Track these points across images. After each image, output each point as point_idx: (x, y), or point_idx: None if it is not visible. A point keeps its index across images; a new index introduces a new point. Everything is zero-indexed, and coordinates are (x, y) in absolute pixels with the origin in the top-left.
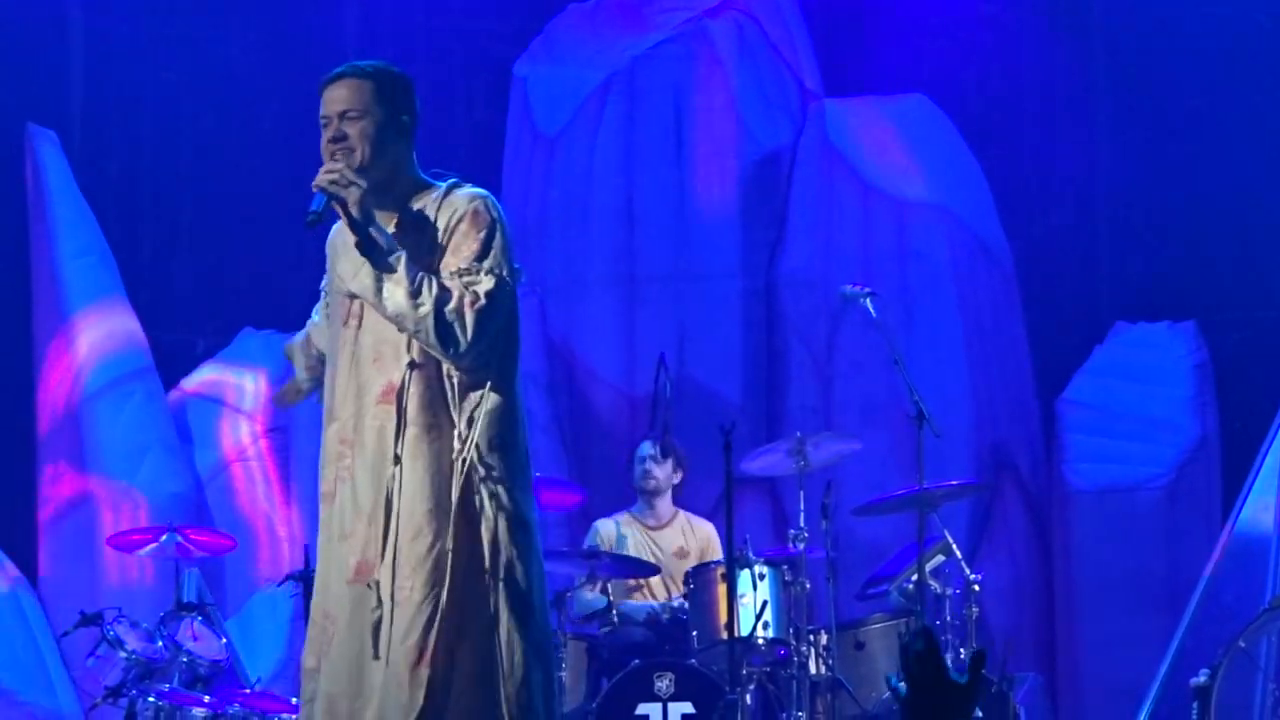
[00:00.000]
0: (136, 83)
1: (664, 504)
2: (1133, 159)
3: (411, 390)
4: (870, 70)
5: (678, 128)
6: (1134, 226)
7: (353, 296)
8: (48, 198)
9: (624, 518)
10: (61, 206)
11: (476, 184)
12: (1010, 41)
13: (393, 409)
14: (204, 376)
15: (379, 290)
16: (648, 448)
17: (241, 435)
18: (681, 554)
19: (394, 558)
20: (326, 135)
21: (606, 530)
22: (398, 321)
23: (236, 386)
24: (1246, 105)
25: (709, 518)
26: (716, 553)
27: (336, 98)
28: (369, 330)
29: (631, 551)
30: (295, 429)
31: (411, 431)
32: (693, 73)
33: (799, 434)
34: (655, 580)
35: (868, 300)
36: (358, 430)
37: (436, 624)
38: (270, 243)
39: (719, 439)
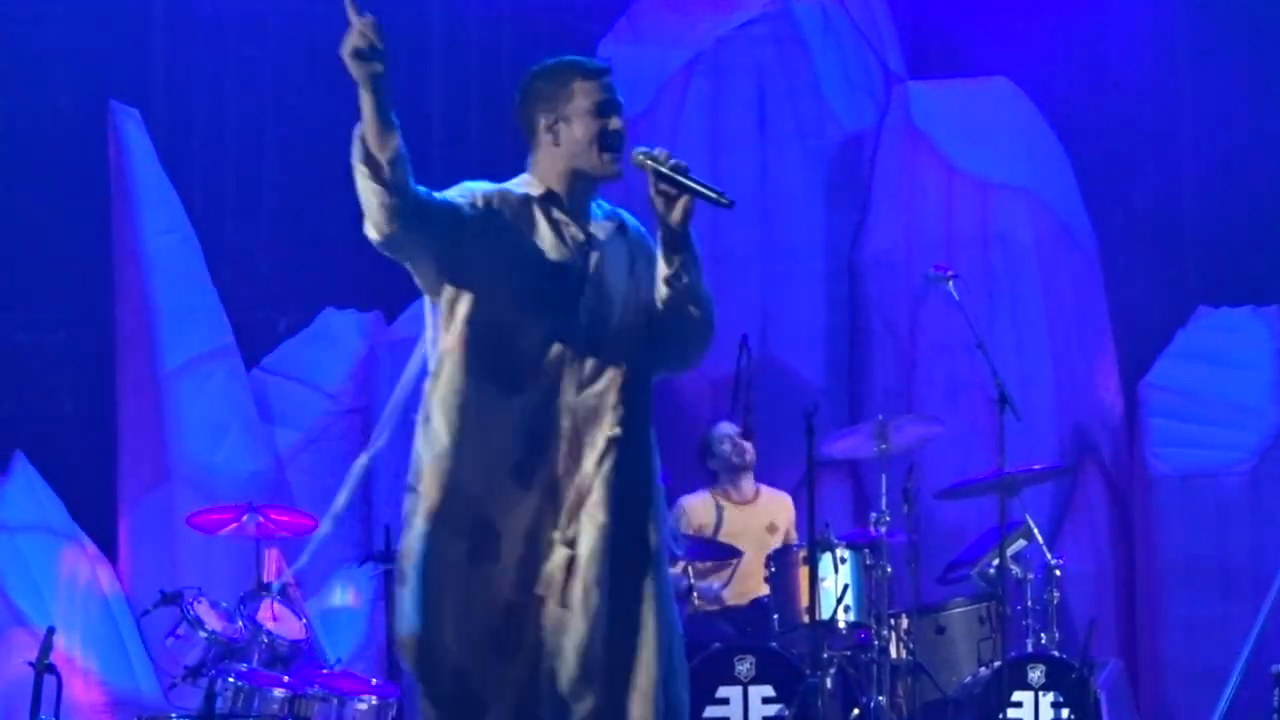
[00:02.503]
0: (219, 60)
1: (748, 481)
2: (1217, 141)
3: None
4: (953, 52)
5: (761, 109)
6: (1218, 210)
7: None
8: (130, 175)
9: (708, 496)
10: (144, 184)
11: None
12: (1093, 23)
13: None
14: (285, 355)
15: (695, 266)
16: (729, 427)
17: (322, 415)
18: (772, 529)
19: None
20: (616, 121)
21: (696, 508)
22: (694, 303)
23: (318, 365)
24: None
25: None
26: (793, 522)
27: (615, 88)
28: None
29: (727, 528)
30: (375, 409)
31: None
32: (777, 54)
33: (881, 417)
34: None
35: (950, 283)
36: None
37: None
38: (352, 222)
39: (801, 421)
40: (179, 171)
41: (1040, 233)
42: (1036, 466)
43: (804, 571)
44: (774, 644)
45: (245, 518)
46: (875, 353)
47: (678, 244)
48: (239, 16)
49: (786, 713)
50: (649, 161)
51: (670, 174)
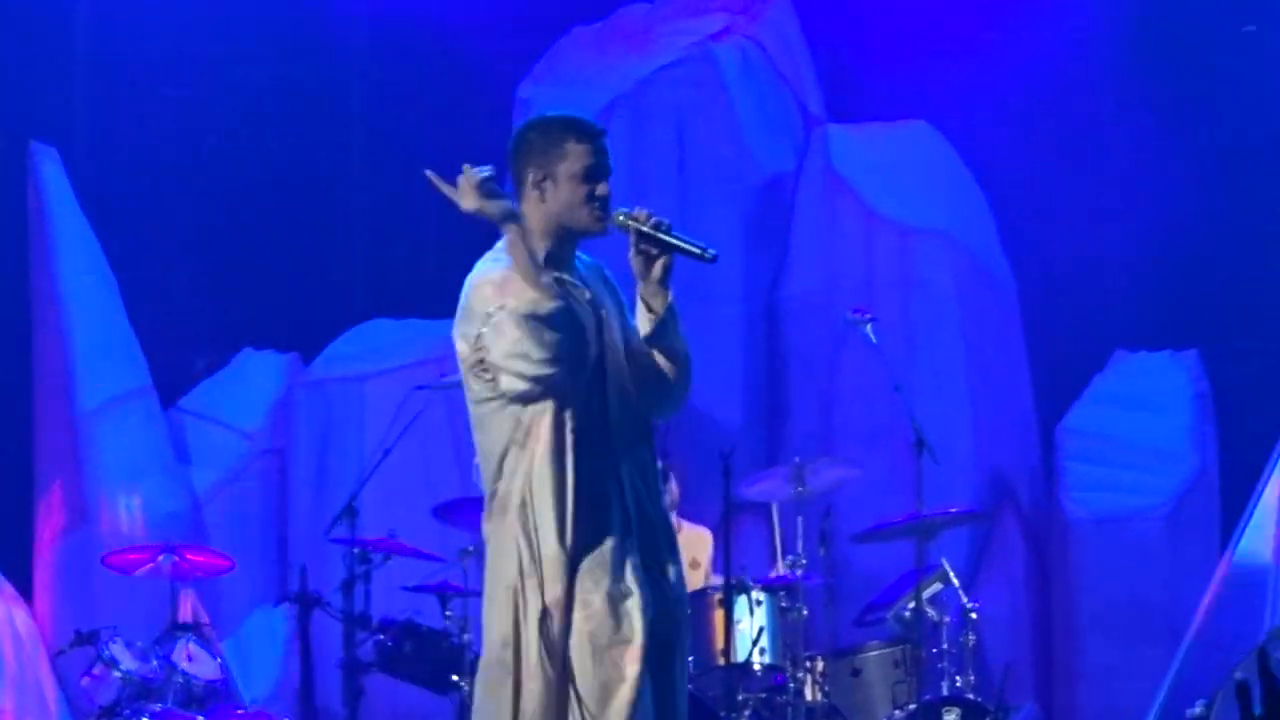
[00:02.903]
0: (140, 101)
1: (671, 519)
2: (1137, 186)
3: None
4: (873, 96)
5: (680, 151)
6: (1136, 255)
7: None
8: (49, 216)
9: None
10: (62, 225)
11: None
12: (1012, 67)
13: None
14: (203, 396)
15: (676, 323)
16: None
17: (240, 455)
18: (695, 565)
19: None
20: (604, 187)
21: None
22: (673, 361)
23: (235, 406)
24: (1254, 136)
25: None
26: (711, 558)
27: (607, 152)
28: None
29: None
30: (292, 449)
31: None
32: (696, 97)
33: (798, 459)
34: None
35: (869, 326)
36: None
37: None
38: (270, 263)
39: (718, 463)
40: (98, 212)
41: (959, 276)
42: (953, 510)
43: (719, 614)
44: (689, 686)
45: (161, 558)
46: (793, 395)
47: (658, 303)
48: (160, 57)
49: None
50: (630, 222)
51: (652, 233)
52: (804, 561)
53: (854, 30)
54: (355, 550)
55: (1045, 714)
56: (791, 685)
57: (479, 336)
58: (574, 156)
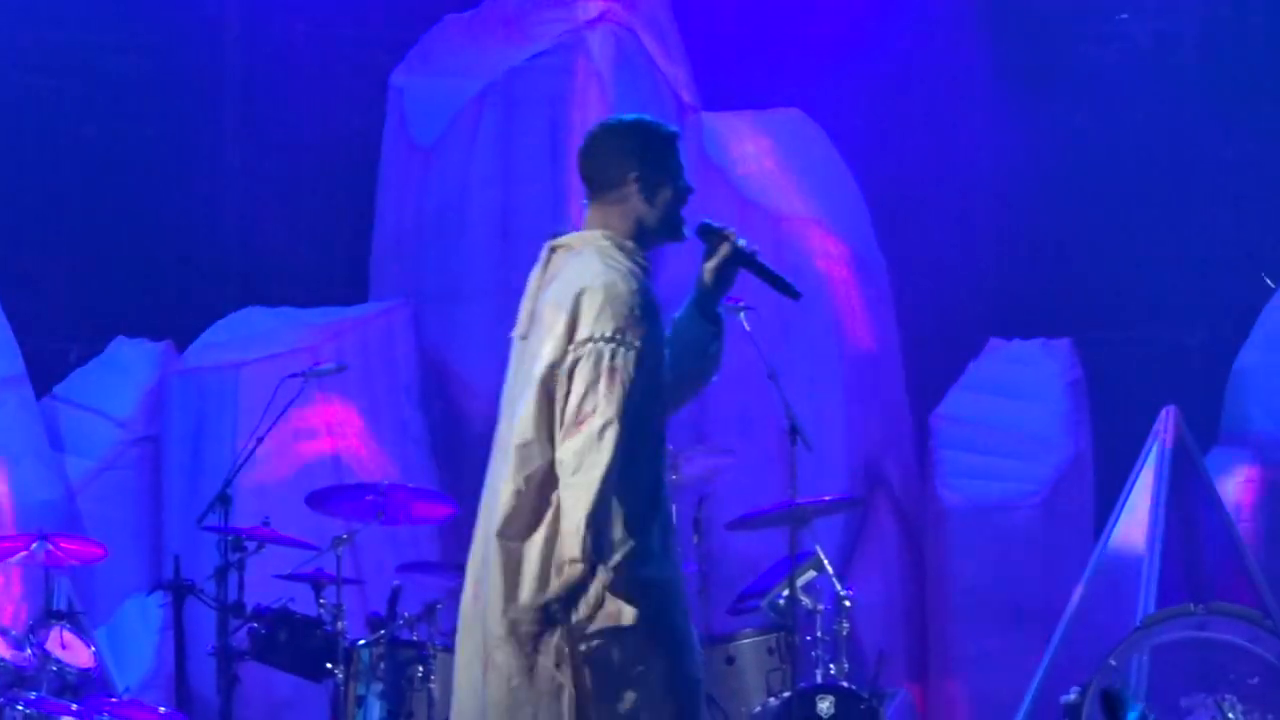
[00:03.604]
0: (7, 89)
1: None
2: (1010, 175)
3: None
4: (746, 84)
5: (554, 139)
6: (1010, 243)
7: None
8: None
9: None
10: None
11: (353, 194)
12: (886, 56)
13: None
14: (76, 384)
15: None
16: None
17: (113, 444)
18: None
19: None
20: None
21: None
22: (710, 371)
23: (109, 394)
24: (1124, 128)
25: None
26: None
27: None
28: None
29: None
30: (165, 438)
31: None
32: (570, 85)
33: (671, 448)
34: None
35: (742, 314)
36: None
37: None
38: (143, 251)
39: None
40: None
41: (832, 264)
42: (827, 498)
43: None
44: None
45: (35, 546)
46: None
47: (716, 313)
48: (35, 46)
49: None
50: (728, 241)
51: (750, 258)
52: (678, 550)
53: (727, 18)
54: (229, 538)
55: (920, 700)
56: None
57: (601, 344)
58: (672, 157)
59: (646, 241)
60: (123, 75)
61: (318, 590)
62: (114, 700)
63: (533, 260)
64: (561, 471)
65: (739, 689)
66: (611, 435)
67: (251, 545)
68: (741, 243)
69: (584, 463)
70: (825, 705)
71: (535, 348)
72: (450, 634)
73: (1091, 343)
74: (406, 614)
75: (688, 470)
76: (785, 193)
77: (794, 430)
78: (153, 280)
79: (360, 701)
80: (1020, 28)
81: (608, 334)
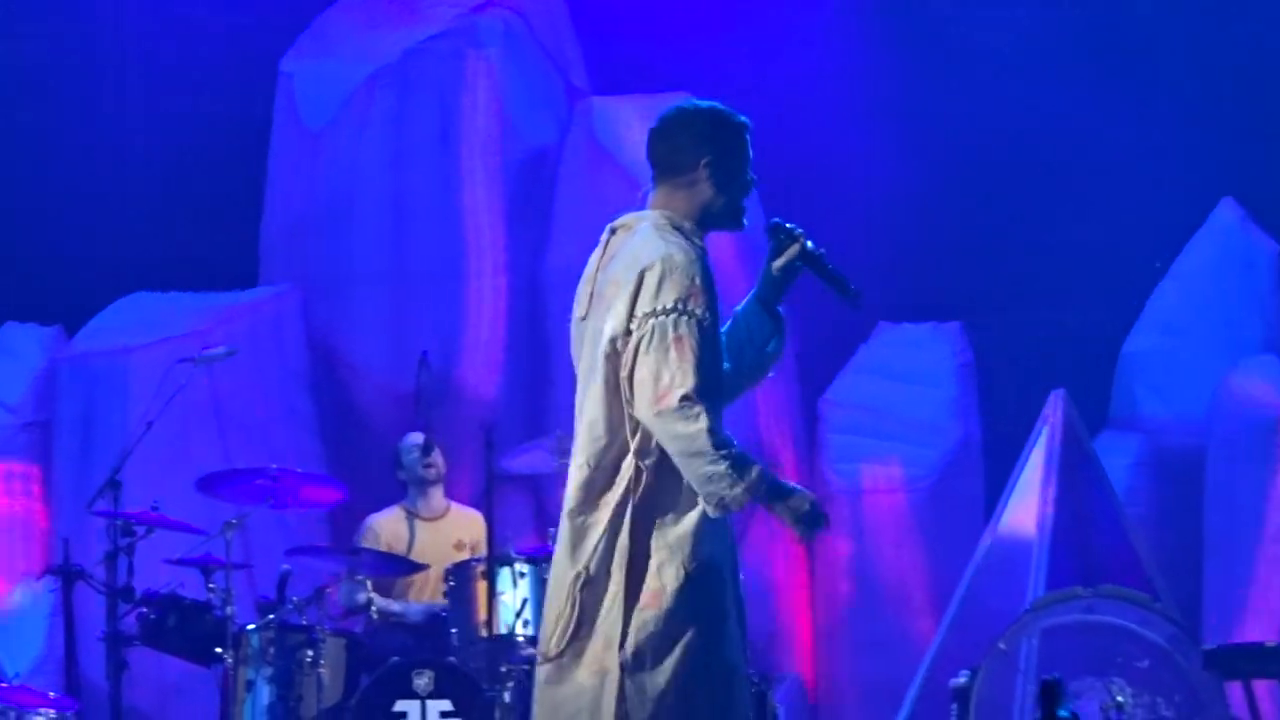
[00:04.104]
0: None
1: (438, 495)
2: (898, 158)
3: None
4: (637, 69)
5: (444, 124)
6: (900, 227)
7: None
8: None
9: (399, 512)
10: None
11: (243, 179)
12: (778, 39)
13: None
14: None
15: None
16: (418, 437)
17: (2, 429)
18: (460, 546)
19: None
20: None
21: (385, 525)
22: (768, 367)
23: None
24: (1012, 112)
25: None
26: (483, 540)
27: None
28: None
29: (416, 545)
30: (55, 423)
31: None
32: (460, 69)
33: (560, 431)
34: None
35: None
36: None
37: None
38: (34, 236)
39: (481, 436)
40: None
41: (723, 247)
42: None
43: (482, 585)
44: (452, 658)
45: None
46: (556, 368)
47: (778, 311)
48: None
49: None
50: (798, 242)
51: (817, 259)
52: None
53: (617, 2)
54: (118, 523)
55: (808, 684)
56: None
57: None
58: (745, 146)
59: (707, 226)
60: (14, 59)
61: (207, 575)
62: (3, 685)
63: (422, 245)
64: (672, 450)
65: None
66: (696, 400)
67: (141, 530)
68: (809, 244)
69: (689, 434)
70: None
71: (598, 325)
72: (338, 618)
73: (981, 326)
74: (295, 598)
75: None
76: None
77: None
78: (43, 265)
79: (249, 686)
80: (909, 12)
81: (669, 306)
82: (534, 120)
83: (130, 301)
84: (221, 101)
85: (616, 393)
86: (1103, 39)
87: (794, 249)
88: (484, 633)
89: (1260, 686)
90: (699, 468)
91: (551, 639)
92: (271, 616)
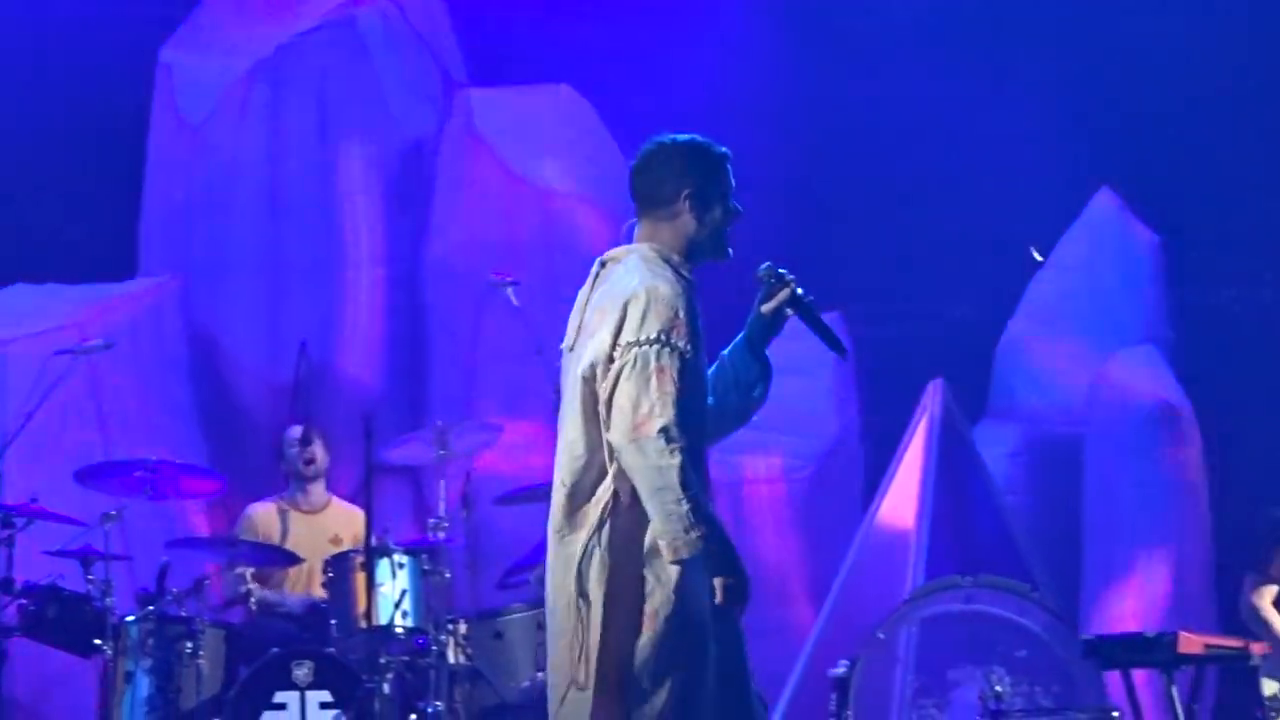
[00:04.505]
0: None
1: (319, 489)
2: (775, 147)
3: None
4: (515, 60)
5: (323, 116)
6: (778, 216)
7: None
8: None
9: (276, 504)
10: None
11: (121, 171)
12: (655, 30)
13: None
14: None
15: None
16: (298, 431)
17: None
18: (336, 541)
19: None
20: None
21: (261, 516)
22: (751, 410)
23: None
24: (890, 100)
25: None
26: (361, 537)
27: None
28: None
29: (292, 537)
30: None
31: None
32: (338, 61)
33: (440, 422)
34: (311, 569)
35: (510, 289)
36: None
37: None
38: None
39: (360, 427)
40: None
41: (600, 239)
42: None
43: (361, 577)
44: (331, 649)
45: None
46: (435, 358)
47: (765, 355)
48: None
49: (344, 718)
50: (788, 287)
51: (806, 306)
52: (446, 524)
53: None
54: None
55: None
56: (434, 648)
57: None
58: (726, 178)
59: (694, 258)
60: None
61: (86, 566)
62: None
63: (301, 236)
64: (637, 481)
65: (507, 663)
66: (675, 436)
67: (20, 522)
68: (799, 291)
69: (661, 466)
70: None
71: (580, 353)
72: (218, 609)
73: (860, 316)
74: (175, 589)
75: (457, 445)
76: (553, 169)
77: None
78: None
79: (129, 677)
80: (786, 2)
81: (652, 336)
82: (411, 111)
83: (8, 294)
84: (99, 92)
85: (594, 418)
86: (979, 31)
87: (784, 293)
88: (363, 624)
89: (1139, 676)
90: (663, 503)
91: (580, 670)
92: (151, 608)
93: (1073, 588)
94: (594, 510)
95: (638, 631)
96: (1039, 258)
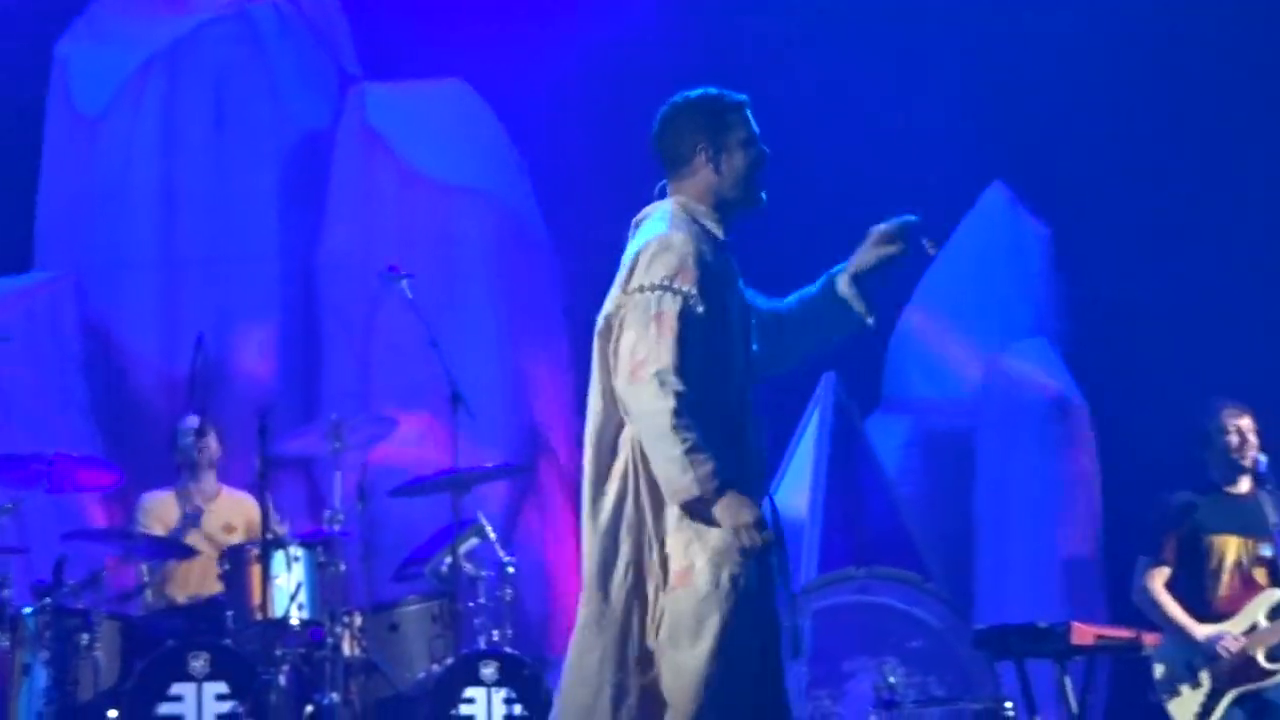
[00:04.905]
0: None
1: (210, 479)
2: None
3: None
4: (409, 55)
5: (218, 110)
6: None
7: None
8: None
9: (171, 494)
10: None
11: (16, 164)
12: (549, 25)
13: None
14: None
15: None
16: (193, 421)
17: None
18: (229, 529)
19: None
20: (764, 149)
21: (157, 505)
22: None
23: None
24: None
25: None
26: (256, 523)
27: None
28: None
29: (187, 524)
30: None
31: None
32: (233, 55)
33: (335, 415)
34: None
35: (405, 283)
36: None
37: None
38: None
39: (255, 420)
40: None
41: (495, 234)
42: (489, 464)
43: (257, 569)
44: (228, 641)
45: None
46: (330, 352)
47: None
48: None
49: (240, 710)
50: (903, 250)
51: (886, 275)
52: (341, 517)
53: None
54: None
55: None
56: (329, 640)
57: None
58: (739, 125)
59: (724, 210)
60: None
61: None
62: None
63: (196, 229)
64: (637, 427)
65: (403, 655)
66: (668, 380)
67: None
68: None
69: (654, 410)
70: (489, 671)
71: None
72: (114, 600)
73: None
74: (72, 581)
75: (352, 438)
76: (448, 162)
77: (457, 397)
78: None
79: (26, 670)
80: None
81: (655, 282)
82: (306, 105)
83: None
84: None
85: (608, 371)
86: (873, 26)
87: (898, 249)
88: (259, 616)
89: (1033, 667)
90: (663, 449)
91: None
92: (48, 600)
93: (966, 579)
94: (619, 463)
95: (675, 587)
96: (932, 250)
